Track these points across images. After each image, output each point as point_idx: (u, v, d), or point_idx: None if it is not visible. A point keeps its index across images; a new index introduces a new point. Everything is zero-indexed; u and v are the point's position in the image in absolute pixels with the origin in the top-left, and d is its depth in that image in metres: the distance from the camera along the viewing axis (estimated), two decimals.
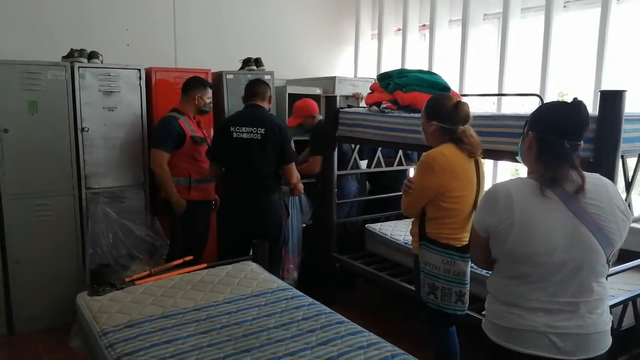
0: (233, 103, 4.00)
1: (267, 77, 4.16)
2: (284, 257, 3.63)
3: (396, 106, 3.27)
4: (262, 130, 3.19)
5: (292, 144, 3.33)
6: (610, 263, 1.60)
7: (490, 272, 1.75)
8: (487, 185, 2.33)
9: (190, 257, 2.93)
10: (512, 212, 1.55)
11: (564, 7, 3.56)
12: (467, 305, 2.35)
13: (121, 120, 3.61)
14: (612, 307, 2.14)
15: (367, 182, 4.65)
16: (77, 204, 3.52)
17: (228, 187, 3.36)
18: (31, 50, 3.70)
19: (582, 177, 1.55)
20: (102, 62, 3.63)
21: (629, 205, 2.40)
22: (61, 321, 3.43)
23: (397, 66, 4.69)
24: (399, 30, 4.92)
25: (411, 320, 3.60)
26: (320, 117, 3.99)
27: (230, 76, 4.09)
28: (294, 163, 3.34)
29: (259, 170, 3.21)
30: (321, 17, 5.30)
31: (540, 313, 1.56)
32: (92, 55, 3.60)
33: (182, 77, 3.80)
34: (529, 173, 1.68)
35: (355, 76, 5.29)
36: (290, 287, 2.65)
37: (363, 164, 4.09)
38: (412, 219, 2.55)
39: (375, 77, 3.69)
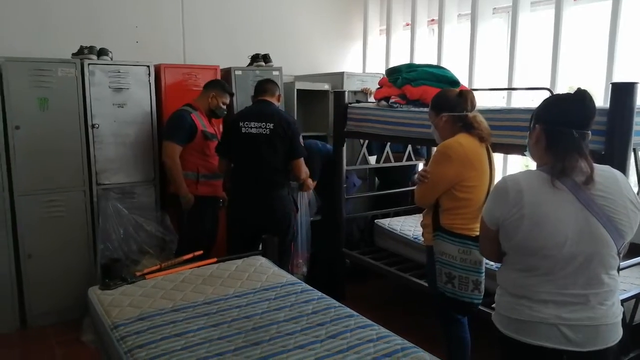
0: (242, 99, 4.02)
1: (275, 72, 4.17)
2: (293, 252, 3.64)
3: (405, 101, 3.27)
4: (271, 125, 3.19)
5: (301, 140, 3.32)
6: (621, 255, 1.59)
7: (500, 265, 1.75)
8: (498, 176, 2.33)
9: (200, 252, 2.95)
10: (521, 206, 1.55)
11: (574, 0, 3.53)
12: (482, 293, 2.36)
13: (131, 116, 3.63)
14: (624, 301, 2.13)
15: (376, 178, 4.65)
16: (88, 200, 3.55)
17: (237, 182, 3.37)
18: (42, 47, 3.73)
19: (592, 167, 1.54)
20: (111, 59, 3.65)
21: None
22: (73, 315, 3.48)
23: (405, 61, 4.66)
24: (408, 25, 4.90)
25: (421, 314, 3.60)
26: None
27: (238, 72, 4.10)
28: (302, 159, 3.34)
29: (267, 165, 3.21)
30: (329, 13, 5.29)
31: (551, 305, 1.55)
32: (102, 52, 3.62)
33: (190, 73, 3.84)
34: (538, 166, 1.67)
35: (363, 72, 5.27)
36: (299, 281, 2.65)
37: (372, 159, 4.08)
38: (421, 214, 2.55)
39: (384, 72, 3.68)
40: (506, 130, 2.53)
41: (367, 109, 3.52)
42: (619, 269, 1.61)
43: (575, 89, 1.61)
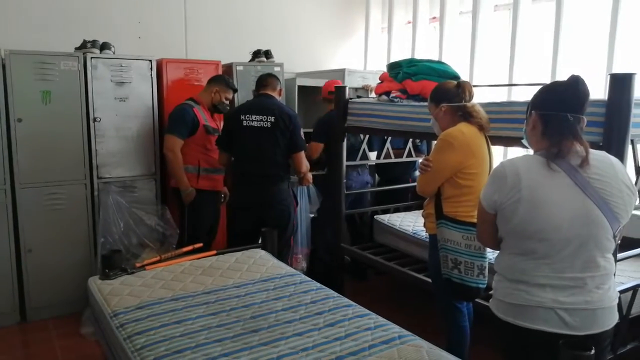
0: (243, 94, 4.04)
1: (276, 69, 4.19)
2: (292, 247, 3.65)
3: (405, 95, 3.27)
4: (272, 119, 3.21)
5: (302, 133, 3.33)
6: (617, 239, 1.60)
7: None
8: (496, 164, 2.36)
9: (200, 245, 2.97)
10: (519, 189, 1.56)
11: None
12: (487, 278, 2.37)
13: (132, 110, 3.65)
14: (621, 292, 2.13)
15: (377, 174, 4.66)
16: (89, 193, 3.56)
17: (237, 176, 3.38)
18: (45, 41, 3.75)
19: (587, 150, 1.57)
20: (114, 53, 3.67)
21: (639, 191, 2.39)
22: (73, 309, 3.50)
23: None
24: (409, 23, 4.92)
25: (420, 309, 3.61)
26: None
27: (240, 67, 4.12)
28: (303, 152, 3.35)
29: (268, 158, 3.23)
30: (331, 10, 5.31)
31: (548, 289, 1.56)
32: (104, 46, 3.64)
33: (192, 68, 3.86)
34: (535, 152, 1.69)
35: (365, 69, 5.29)
36: (298, 272, 2.67)
37: (372, 155, 4.09)
38: (420, 210, 2.56)
39: (385, 69, 3.69)
40: (506, 123, 2.53)
41: (368, 103, 3.53)
42: (615, 254, 1.62)
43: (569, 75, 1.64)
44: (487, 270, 2.37)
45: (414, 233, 3.53)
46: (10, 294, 3.41)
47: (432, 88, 2.68)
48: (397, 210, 4.22)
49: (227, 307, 2.20)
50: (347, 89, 3.74)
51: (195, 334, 1.94)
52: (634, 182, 1.66)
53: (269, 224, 3.16)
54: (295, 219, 3.54)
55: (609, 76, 2.18)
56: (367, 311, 2.17)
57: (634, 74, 2.09)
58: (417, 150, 4.26)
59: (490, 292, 1.76)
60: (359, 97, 4.16)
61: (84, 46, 3.59)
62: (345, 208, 3.87)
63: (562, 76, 3.53)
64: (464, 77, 3.53)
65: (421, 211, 2.66)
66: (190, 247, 2.92)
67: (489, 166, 2.42)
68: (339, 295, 2.35)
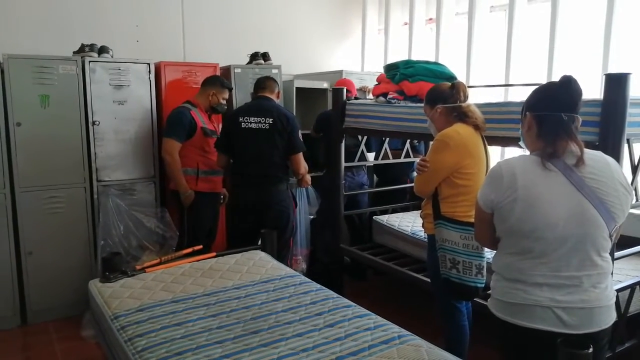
0: (241, 96, 4.06)
1: (274, 71, 4.21)
2: (292, 248, 3.66)
3: (402, 96, 3.29)
4: (270, 120, 3.22)
5: (300, 135, 3.35)
6: (613, 238, 1.62)
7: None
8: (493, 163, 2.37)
9: (199, 247, 2.97)
10: (515, 188, 1.58)
11: None
12: (485, 278, 2.39)
13: (131, 113, 3.66)
14: (619, 291, 2.14)
15: (375, 175, 4.68)
16: (89, 197, 3.57)
17: (236, 177, 3.39)
18: (43, 45, 3.76)
19: (582, 149, 1.58)
20: (112, 57, 3.68)
21: (635, 190, 2.41)
22: (73, 311, 3.51)
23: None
24: (406, 24, 4.94)
25: (419, 309, 3.62)
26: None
27: (238, 70, 4.13)
28: (301, 153, 3.36)
29: (266, 160, 3.24)
30: (328, 12, 5.33)
31: (545, 288, 1.58)
32: (103, 50, 3.66)
33: (190, 71, 3.87)
34: (531, 153, 1.71)
35: (362, 70, 5.31)
36: (298, 274, 2.68)
37: (370, 156, 4.11)
38: (418, 211, 2.58)
39: (382, 70, 3.71)
40: (503, 124, 2.55)
41: (365, 105, 3.54)
42: (612, 252, 1.63)
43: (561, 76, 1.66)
44: (485, 270, 2.38)
45: (413, 233, 3.54)
46: (11, 297, 3.42)
47: (429, 89, 2.69)
48: (395, 210, 4.24)
49: (227, 308, 2.21)
50: (344, 90, 3.76)
51: (195, 336, 1.95)
52: (630, 182, 1.68)
53: (268, 226, 3.17)
54: (295, 220, 3.55)
55: (604, 76, 2.20)
56: (367, 311, 2.18)
57: (629, 73, 2.11)
58: (415, 151, 4.28)
59: (489, 292, 1.77)
60: (356, 98, 4.17)
61: (82, 50, 3.60)
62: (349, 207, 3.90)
63: (558, 76, 3.56)
64: (461, 78, 3.55)
65: (419, 211, 2.68)
66: (189, 249, 2.93)
67: (485, 166, 2.43)
68: (338, 295, 2.36)
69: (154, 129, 3.75)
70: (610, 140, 2.14)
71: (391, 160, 4.12)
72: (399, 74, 3.31)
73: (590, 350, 1.37)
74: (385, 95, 3.38)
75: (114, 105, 3.60)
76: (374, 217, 4.02)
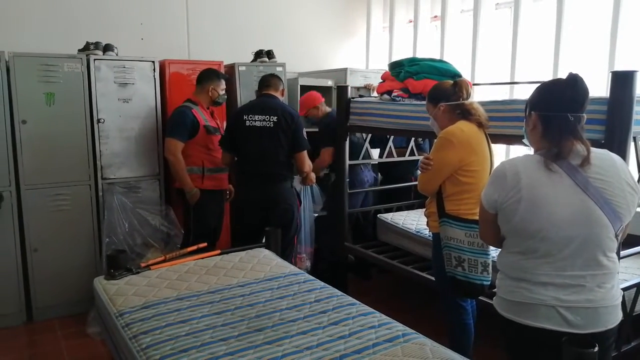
0: (245, 94, 4.06)
1: (279, 69, 4.20)
2: (296, 246, 3.66)
3: (407, 94, 3.28)
4: (275, 118, 3.22)
5: (304, 133, 3.35)
6: (619, 238, 1.60)
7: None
8: (498, 161, 2.36)
9: (204, 244, 2.98)
10: (519, 189, 1.57)
11: None
12: (490, 275, 2.39)
13: (136, 111, 3.67)
14: (624, 290, 2.13)
15: (379, 173, 4.67)
16: (94, 194, 3.59)
17: (240, 176, 3.40)
18: (48, 43, 3.78)
19: (588, 149, 1.56)
20: (117, 55, 3.69)
21: None
22: (78, 309, 3.52)
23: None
24: (411, 22, 4.92)
25: (423, 307, 3.62)
26: (328, 109, 4.02)
27: (242, 68, 4.13)
28: (306, 151, 3.36)
29: (271, 158, 3.24)
30: (333, 9, 5.32)
31: (549, 287, 1.57)
32: (107, 48, 3.67)
33: (195, 69, 3.86)
34: (535, 152, 1.70)
35: (366, 68, 5.30)
36: (302, 272, 2.68)
37: (375, 153, 4.10)
38: (422, 209, 2.57)
39: (387, 68, 3.70)
40: (508, 121, 2.54)
41: (370, 102, 3.54)
42: (618, 253, 1.62)
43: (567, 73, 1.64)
44: (490, 267, 2.38)
45: (417, 231, 3.54)
46: (17, 294, 3.44)
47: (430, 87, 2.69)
48: (400, 208, 4.23)
49: (231, 306, 2.21)
50: (349, 87, 3.75)
51: (200, 333, 1.96)
52: (636, 180, 1.66)
53: (272, 223, 3.17)
54: (299, 218, 3.55)
55: (610, 74, 2.19)
56: (371, 309, 2.18)
57: (636, 71, 2.10)
58: (420, 149, 4.27)
59: (494, 290, 1.77)
60: (361, 96, 4.17)
61: (87, 48, 3.61)
62: (359, 206, 3.91)
63: (564, 74, 3.54)
64: (466, 75, 3.54)
65: (424, 210, 2.67)
66: (194, 247, 2.94)
67: (489, 163, 2.43)
68: (342, 293, 2.36)
69: (158, 127, 3.75)
70: (616, 138, 2.13)
71: (395, 159, 4.11)
72: (403, 71, 3.29)
73: (596, 349, 1.36)
74: (389, 93, 3.37)
75: (119, 103, 3.60)
76: (378, 215, 4.01)
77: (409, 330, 1.99)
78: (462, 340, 2.53)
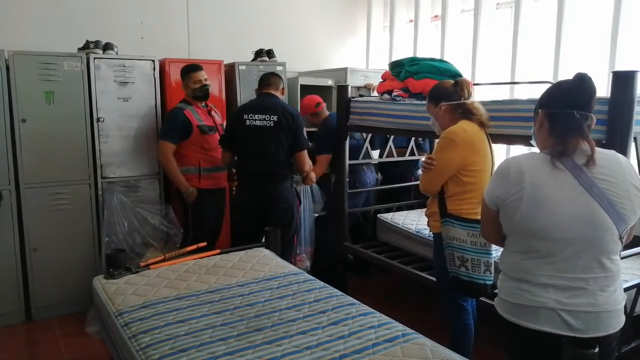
0: (245, 94, 4.06)
1: (279, 68, 4.20)
2: (296, 245, 3.65)
3: (407, 94, 3.27)
4: (275, 118, 3.22)
5: (305, 132, 3.34)
6: (624, 240, 1.58)
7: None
8: (498, 161, 2.36)
9: (203, 244, 2.97)
10: (522, 186, 1.56)
11: None
12: (493, 275, 2.38)
13: (136, 110, 3.66)
14: (625, 290, 2.12)
15: (379, 173, 4.66)
16: (93, 193, 3.58)
17: (240, 175, 3.39)
18: (48, 41, 3.77)
19: (593, 149, 1.55)
20: (117, 54, 3.68)
21: None
22: (78, 308, 3.52)
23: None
24: (411, 21, 4.92)
25: (424, 308, 3.62)
26: (327, 113, 4.01)
27: (242, 67, 4.13)
28: (306, 151, 3.36)
29: (271, 157, 3.23)
30: (333, 9, 5.32)
31: (551, 289, 1.55)
32: (107, 47, 3.66)
33: None
34: (541, 151, 1.69)
35: (367, 67, 5.29)
36: (302, 271, 2.68)
37: (375, 154, 4.09)
38: (423, 209, 2.56)
39: (387, 67, 3.70)
40: (509, 121, 2.54)
41: (370, 102, 3.53)
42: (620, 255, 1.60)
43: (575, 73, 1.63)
44: (493, 267, 2.38)
45: (417, 231, 3.53)
46: (16, 293, 3.43)
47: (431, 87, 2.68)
48: (400, 208, 4.22)
49: (231, 305, 2.21)
50: (349, 87, 3.74)
51: (199, 333, 1.95)
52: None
53: (272, 223, 3.17)
54: (299, 218, 3.54)
55: (611, 74, 2.18)
56: (371, 309, 2.17)
57: (637, 71, 2.10)
58: (420, 149, 4.26)
59: (496, 290, 1.76)
60: (361, 96, 4.16)
61: (87, 47, 3.60)
62: (361, 205, 3.91)
63: (564, 74, 3.55)
64: (466, 75, 3.54)
65: (424, 210, 2.67)
66: (194, 246, 2.93)
67: (491, 163, 2.42)
68: (342, 293, 2.35)
69: (158, 126, 3.74)
70: (617, 138, 2.13)
71: (395, 158, 4.11)
72: (404, 71, 3.29)
73: (596, 350, 1.36)
74: (390, 92, 3.36)
75: (119, 102, 3.60)
76: (378, 215, 4.01)
77: (408, 330, 1.99)
78: (462, 341, 2.52)
